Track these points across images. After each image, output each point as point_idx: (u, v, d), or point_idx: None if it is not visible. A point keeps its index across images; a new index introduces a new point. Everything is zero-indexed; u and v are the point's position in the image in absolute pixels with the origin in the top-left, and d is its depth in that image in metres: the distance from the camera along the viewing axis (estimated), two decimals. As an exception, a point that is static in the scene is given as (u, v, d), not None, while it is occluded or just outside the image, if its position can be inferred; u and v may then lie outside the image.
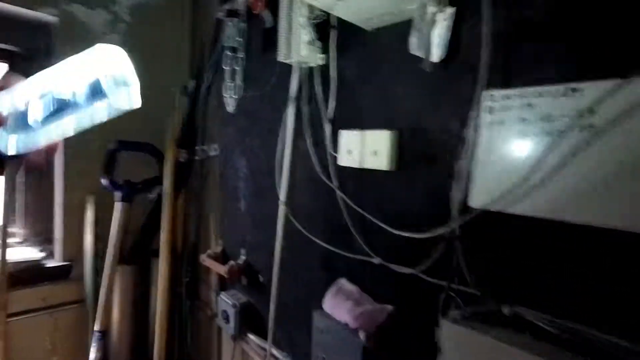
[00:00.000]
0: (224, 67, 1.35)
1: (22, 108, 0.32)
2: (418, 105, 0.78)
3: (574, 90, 0.53)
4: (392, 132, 0.81)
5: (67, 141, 1.27)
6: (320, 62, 0.99)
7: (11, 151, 0.33)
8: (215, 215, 1.53)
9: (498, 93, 0.61)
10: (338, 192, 0.95)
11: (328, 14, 0.94)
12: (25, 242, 1.54)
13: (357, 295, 0.88)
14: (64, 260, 1.50)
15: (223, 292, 1.39)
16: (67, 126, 0.32)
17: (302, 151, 1.08)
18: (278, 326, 1.17)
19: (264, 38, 1.23)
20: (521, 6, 0.62)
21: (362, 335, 0.80)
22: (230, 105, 1.38)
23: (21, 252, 1.48)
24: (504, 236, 0.64)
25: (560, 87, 0.54)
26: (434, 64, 0.71)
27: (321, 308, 0.93)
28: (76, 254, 1.52)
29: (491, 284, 0.66)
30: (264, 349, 1.21)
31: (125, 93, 0.33)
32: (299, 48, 0.96)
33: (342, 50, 0.95)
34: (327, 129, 0.98)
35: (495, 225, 0.65)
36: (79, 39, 1.45)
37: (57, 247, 1.52)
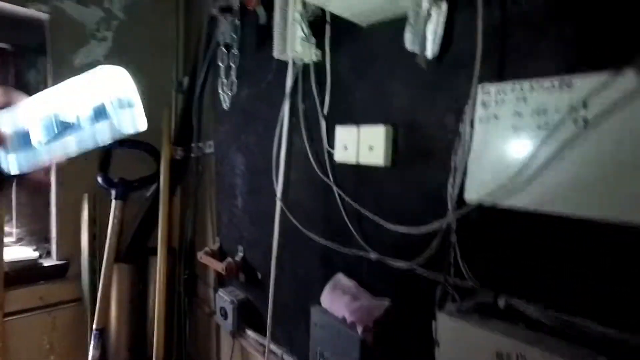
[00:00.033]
0: (219, 63, 1.35)
1: (24, 127, 0.32)
2: (413, 100, 0.79)
3: (567, 83, 0.53)
4: (387, 127, 0.81)
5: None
6: (315, 59, 0.99)
7: (13, 170, 0.33)
8: (212, 212, 1.53)
9: (492, 87, 0.62)
10: (334, 188, 0.95)
11: (323, 10, 0.94)
12: (21, 241, 1.54)
13: (354, 290, 0.89)
14: (61, 259, 1.50)
15: (221, 289, 1.39)
16: (70, 147, 0.33)
17: (298, 147, 1.08)
18: (276, 322, 1.17)
19: (258, 35, 1.23)
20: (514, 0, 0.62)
21: (359, 329, 0.81)
22: (225, 102, 1.37)
23: (17, 252, 1.47)
24: (500, 230, 0.65)
25: (553, 81, 0.54)
26: (429, 60, 0.72)
27: (319, 303, 0.94)
28: (72, 252, 1.51)
29: (487, 277, 0.66)
30: (263, 345, 1.22)
31: (130, 115, 0.33)
32: (294, 44, 0.96)
33: (337, 47, 0.95)
34: (323, 125, 0.98)
35: (490, 219, 0.66)
36: (71, 36, 1.44)
37: (54, 246, 1.51)
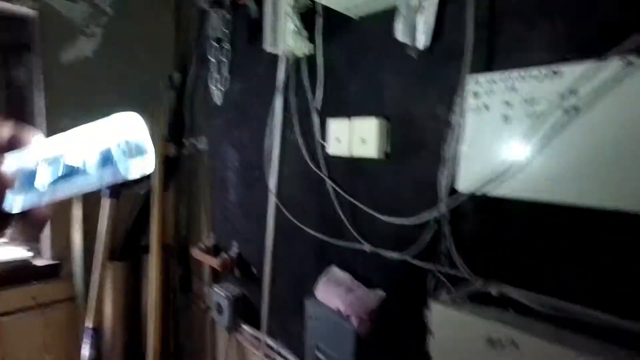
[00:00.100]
0: (210, 58, 1.34)
1: (30, 169, 0.32)
2: (405, 91, 0.79)
3: (555, 72, 0.54)
4: (379, 119, 0.81)
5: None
6: (307, 52, 0.98)
7: (16, 209, 0.33)
8: (206, 208, 1.53)
9: (482, 77, 0.62)
10: (328, 181, 0.96)
11: (314, 2, 0.93)
12: (12, 241, 1.52)
13: (348, 282, 0.89)
14: (53, 259, 1.49)
15: (216, 285, 1.39)
16: (73, 190, 0.33)
17: (291, 141, 1.08)
18: (272, 316, 1.18)
19: (249, 29, 1.22)
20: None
21: (354, 321, 0.81)
22: (217, 97, 1.37)
23: (9, 252, 1.46)
24: (491, 219, 0.66)
25: (542, 70, 0.55)
26: (420, 50, 0.72)
27: (314, 296, 0.94)
28: (65, 252, 1.50)
29: (479, 266, 0.67)
30: (259, 339, 1.22)
31: (139, 162, 0.33)
32: (285, 37, 0.96)
33: (329, 39, 0.95)
34: (315, 118, 0.98)
35: (482, 208, 0.66)
36: (59, 33, 1.42)
37: (45, 246, 1.50)
